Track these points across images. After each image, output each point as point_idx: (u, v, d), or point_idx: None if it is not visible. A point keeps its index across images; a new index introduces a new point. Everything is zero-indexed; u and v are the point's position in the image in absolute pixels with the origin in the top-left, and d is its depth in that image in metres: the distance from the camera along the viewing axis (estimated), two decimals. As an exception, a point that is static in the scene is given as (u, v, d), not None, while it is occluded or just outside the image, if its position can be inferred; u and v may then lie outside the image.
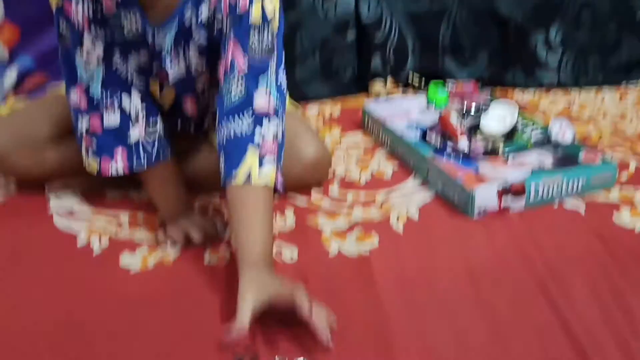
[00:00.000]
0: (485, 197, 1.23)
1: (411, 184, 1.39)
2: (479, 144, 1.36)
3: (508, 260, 1.11)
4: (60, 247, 1.20)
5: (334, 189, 1.37)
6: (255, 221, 1.01)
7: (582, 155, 1.33)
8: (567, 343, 0.91)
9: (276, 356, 0.89)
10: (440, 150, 1.37)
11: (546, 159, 1.33)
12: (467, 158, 1.34)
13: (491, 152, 1.35)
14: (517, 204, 1.25)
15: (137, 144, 1.17)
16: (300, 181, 1.31)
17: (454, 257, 1.13)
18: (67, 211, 1.30)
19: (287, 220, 1.27)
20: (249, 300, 0.91)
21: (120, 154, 1.16)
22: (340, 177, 1.43)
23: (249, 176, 1.03)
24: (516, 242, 1.16)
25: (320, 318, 0.90)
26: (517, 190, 1.24)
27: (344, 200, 1.33)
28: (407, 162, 1.46)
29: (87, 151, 1.18)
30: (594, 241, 1.16)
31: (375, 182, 1.41)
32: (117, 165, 1.17)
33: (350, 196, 1.35)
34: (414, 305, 1.01)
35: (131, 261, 1.14)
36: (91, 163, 1.19)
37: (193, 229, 1.17)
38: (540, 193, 1.26)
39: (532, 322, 0.96)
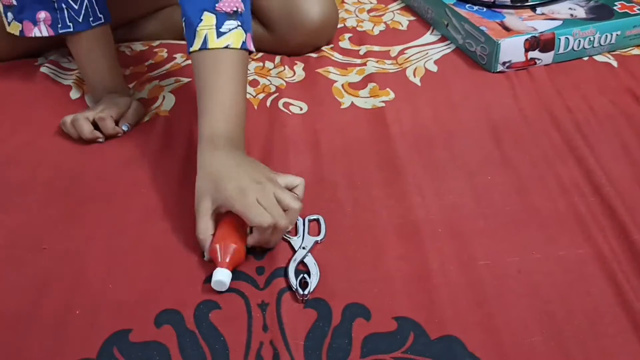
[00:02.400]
0: (511, 48, 1.13)
1: (429, 38, 1.28)
2: (505, -6, 1.24)
3: (533, 116, 1.03)
4: (52, 95, 1.12)
5: (345, 42, 1.27)
6: (218, 87, 0.83)
7: (618, 7, 1.22)
8: (596, 200, 0.85)
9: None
10: (462, 1, 1.26)
11: (578, 9, 1.22)
12: (492, 9, 1.23)
13: (518, 3, 1.23)
14: (544, 57, 1.15)
15: (60, 1, 0.98)
16: (302, 47, 1.21)
17: (475, 112, 1.05)
18: (55, 64, 1.21)
19: (296, 71, 1.17)
20: (205, 208, 0.76)
21: (42, 17, 0.99)
22: (351, 29, 1.32)
23: (204, 39, 0.85)
24: (542, 97, 1.07)
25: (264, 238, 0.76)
26: (545, 42, 1.14)
27: (357, 53, 1.23)
28: (424, 15, 1.34)
29: (5, 13, 1.01)
30: (626, 97, 1.07)
31: (390, 35, 1.30)
32: (41, 29, 1.00)
33: (363, 49, 1.24)
34: (431, 162, 0.94)
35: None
36: (12, 26, 1.02)
37: (107, 116, 0.98)
38: (570, 46, 1.16)
39: (557, 179, 0.89)
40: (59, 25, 0.99)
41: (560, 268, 0.76)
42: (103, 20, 1.02)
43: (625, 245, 0.78)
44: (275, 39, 1.20)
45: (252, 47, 0.90)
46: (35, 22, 1.00)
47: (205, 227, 0.76)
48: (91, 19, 1.01)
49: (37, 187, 0.91)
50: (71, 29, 1.00)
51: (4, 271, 0.77)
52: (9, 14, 1.01)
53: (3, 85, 1.15)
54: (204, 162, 0.80)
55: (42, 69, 1.19)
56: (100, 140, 0.99)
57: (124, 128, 1.00)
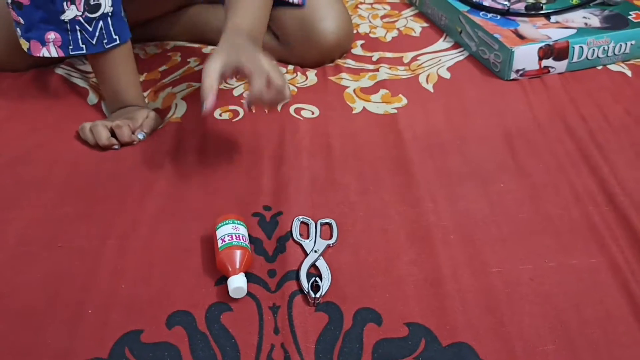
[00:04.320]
0: (525, 56, 1.12)
1: (442, 45, 1.28)
2: (519, 2, 1.24)
3: (547, 124, 1.02)
4: (70, 100, 1.13)
5: (358, 48, 1.27)
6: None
7: (633, 16, 1.21)
8: (610, 209, 0.84)
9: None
10: (476, 8, 1.26)
11: (593, 18, 1.21)
12: (506, 17, 1.23)
13: (532, 11, 1.23)
14: (558, 66, 1.15)
15: (73, 22, 0.94)
16: (317, 63, 1.20)
17: (488, 119, 1.05)
18: (72, 67, 1.22)
19: (308, 76, 1.18)
20: (218, 58, 0.82)
21: (52, 38, 0.95)
22: (364, 35, 1.32)
23: None
24: (556, 106, 1.07)
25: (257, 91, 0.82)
26: (559, 51, 1.14)
27: (369, 59, 1.23)
28: (437, 21, 1.34)
29: (16, 27, 0.98)
30: (641, 107, 1.07)
31: (403, 41, 1.30)
32: (50, 50, 0.96)
33: (375, 55, 1.24)
34: (444, 168, 0.94)
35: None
36: (22, 42, 0.99)
37: (125, 125, 0.98)
38: (584, 54, 1.15)
39: (571, 187, 0.89)
40: (70, 47, 0.96)
41: (574, 277, 0.75)
42: (118, 42, 0.98)
43: (639, 255, 0.77)
44: (290, 53, 1.20)
45: None
46: (43, 43, 0.96)
47: (214, 67, 0.81)
48: (105, 41, 0.96)
49: (53, 186, 0.91)
50: (84, 51, 0.97)
51: (18, 268, 0.78)
52: (18, 29, 0.98)
53: (20, 88, 1.16)
54: (225, 38, 0.88)
55: (58, 71, 1.19)
56: (116, 147, 0.98)
57: (140, 137, 1.00)
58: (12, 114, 1.09)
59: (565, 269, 0.76)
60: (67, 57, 0.99)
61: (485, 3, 1.26)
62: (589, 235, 0.81)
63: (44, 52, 0.97)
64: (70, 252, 0.79)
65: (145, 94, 1.14)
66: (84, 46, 0.96)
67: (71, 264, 0.78)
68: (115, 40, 0.98)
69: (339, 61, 1.23)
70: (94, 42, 0.96)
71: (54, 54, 0.96)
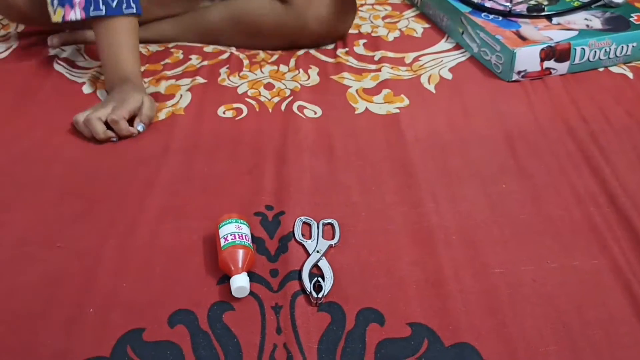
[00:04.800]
0: (527, 57, 1.12)
1: (444, 45, 1.28)
2: (520, 4, 1.24)
3: (548, 125, 1.03)
4: (67, 93, 1.13)
5: (360, 47, 1.27)
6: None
7: (634, 18, 1.22)
8: (611, 211, 0.85)
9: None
10: (477, 9, 1.26)
11: (594, 20, 1.22)
12: (508, 18, 1.23)
13: (534, 12, 1.23)
14: (559, 67, 1.15)
15: None
16: (321, 26, 1.21)
17: (490, 120, 1.05)
18: (70, 62, 1.23)
19: (310, 75, 1.18)
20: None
21: (78, 0, 1.03)
22: (366, 35, 1.32)
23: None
24: (557, 107, 1.07)
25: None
26: (561, 52, 1.14)
27: (372, 59, 1.23)
28: (439, 22, 1.34)
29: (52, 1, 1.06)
30: (642, 109, 1.07)
31: (405, 41, 1.30)
32: (75, 12, 1.04)
33: (378, 55, 1.24)
34: (446, 169, 0.94)
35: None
36: (57, 13, 1.05)
37: (120, 118, 0.98)
38: (586, 56, 1.15)
39: (573, 189, 0.89)
40: (91, 8, 1.03)
41: (576, 278, 0.75)
42: (135, 11, 1.05)
43: (641, 256, 0.78)
44: (292, 14, 1.20)
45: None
46: (72, 6, 1.03)
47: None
48: (124, 6, 1.04)
49: (51, 185, 0.91)
50: (103, 13, 1.03)
51: (17, 268, 0.77)
52: (55, 1, 1.05)
53: (18, 84, 1.16)
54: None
55: (57, 67, 1.20)
56: (114, 140, 0.99)
57: (140, 129, 1.01)
58: (10, 111, 1.08)
59: (567, 270, 0.76)
60: (88, 20, 1.05)
61: (487, 4, 1.27)
62: (590, 237, 0.81)
63: (70, 16, 1.04)
64: (69, 252, 0.79)
65: (146, 80, 1.16)
66: (103, 7, 1.03)
67: (71, 264, 0.78)
68: (132, 8, 1.05)
69: (341, 57, 1.23)
70: (113, 5, 1.04)
71: (78, 16, 1.04)
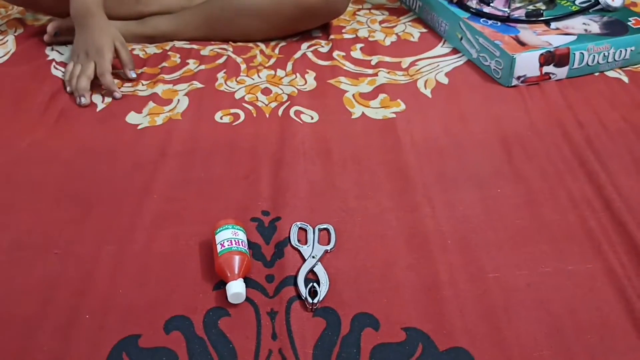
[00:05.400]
0: (526, 63, 1.13)
1: (440, 50, 1.28)
2: (519, 9, 1.25)
3: (544, 130, 1.03)
4: (64, 97, 1.14)
5: (357, 52, 1.28)
6: None
7: (632, 22, 1.22)
8: (606, 215, 0.85)
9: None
10: (476, 15, 1.26)
11: (592, 24, 1.22)
12: (506, 23, 1.23)
13: (533, 17, 1.24)
14: (558, 72, 1.15)
15: None
16: (315, 12, 1.23)
17: (486, 124, 1.05)
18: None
19: (307, 80, 1.18)
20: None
21: None
22: (363, 39, 1.32)
23: None
24: (553, 112, 1.07)
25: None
26: (560, 57, 1.14)
27: (368, 63, 1.24)
28: (437, 27, 1.34)
29: None
30: (637, 112, 1.06)
31: (401, 46, 1.30)
32: None
33: (374, 59, 1.25)
34: (442, 173, 0.94)
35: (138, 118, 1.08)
36: None
37: (103, 77, 1.13)
38: (585, 61, 1.16)
39: (568, 193, 0.89)
40: None
41: (570, 282, 0.76)
42: None
43: (635, 261, 0.78)
44: None
45: None
46: None
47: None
48: None
49: (48, 189, 0.91)
50: None
51: (13, 273, 0.78)
52: None
53: (16, 87, 1.17)
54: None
55: (54, 72, 1.21)
56: (118, 95, 1.13)
57: (133, 75, 1.18)
58: (8, 115, 1.09)
59: (561, 274, 0.77)
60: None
61: (486, 10, 1.27)
62: (585, 241, 0.81)
63: None
64: (66, 257, 0.80)
65: (145, 82, 1.18)
66: None
67: (67, 268, 0.78)
68: None
69: (338, 61, 1.23)
70: None
71: None
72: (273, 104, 1.11)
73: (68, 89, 1.14)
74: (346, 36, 1.34)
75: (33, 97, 1.13)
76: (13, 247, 0.81)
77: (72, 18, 1.17)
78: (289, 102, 1.12)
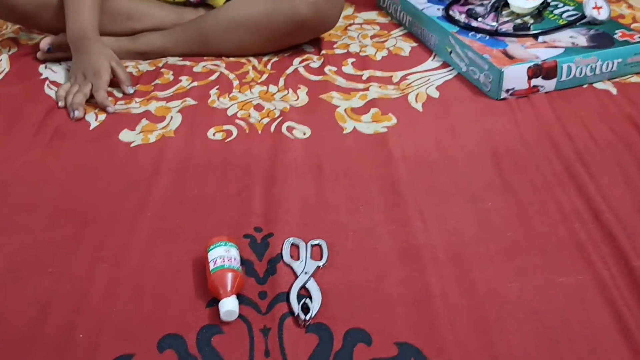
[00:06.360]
0: (514, 76, 1.14)
1: (431, 64, 1.30)
2: (507, 23, 1.26)
3: (534, 142, 1.04)
4: (58, 116, 1.14)
5: (349, 67, 1.29)
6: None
7: (619, 35, 1.24)
8: (596, 227, 0.85)
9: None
10: (465, 29, 1.27)
11: (579, 37, 1.23)
12: (495, 37, 1.24)
13: (520, 31, 1.25)
14: (547, 85, 1.17)
15: None
16: (307, 24, 1.24)
17: (476, 138, 1.06)
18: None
19: (299, 95, 1.19)
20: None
21: None
22: (354, 54, 1.33)
23: None
24: (543, 124, 1.08)
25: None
26: (548, 70, 1.15)
27: (360, 78, 1.25)
28: (427, 41, 1.36)
29: None
30: (626, 124, 1.07)
31: (392, 60, 1.32)
32: None
33: (365, 74, 1.26)
34: (433, 187, 0.95)
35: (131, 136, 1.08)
36: None
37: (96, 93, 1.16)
38: (572, 73, 1.17)
39: (558, 205, 0.90)
40: None
41: (561, 294, 0.76)
42: None
43: (625, 272, 0.78)
44: (284, 2, 1.23)
45: None
46: None
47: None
48: None
49: (42, 208, 0.92)
50: None
51: (7, 293, 0.78)
52: None
53: (10, 107, 1.18)
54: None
55: (48, 91, 1.21)
56: (110, 110, 1.15)
57: (131, 91, 1.21)
58: (1, 135, 1.10)
59: (552, 286, 0.77)
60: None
61: (474, 24, 1.28)
62: (575, 253, 0.82)
63: None
64: (60, 277, 0.80)
65: (138, 100, 1.19)
66: None
67: (61, 288, 0.78)
68: None
69: (330, 75, 1.24)
70: None
71: None
72: (265, 120, 1.12)
73: (60, 103, 1.16)
74: (338, 51, 1.35)
75: (27, 116, 1.14)
76: (7, 267, 0.82)
77: (69, 42, 1.22)
78: (281, 118, 1.13)
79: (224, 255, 0.77)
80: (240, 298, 0.75)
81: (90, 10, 1.21)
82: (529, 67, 1.15)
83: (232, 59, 1.33)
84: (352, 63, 1.30)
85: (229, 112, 1.15)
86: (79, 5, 1.21)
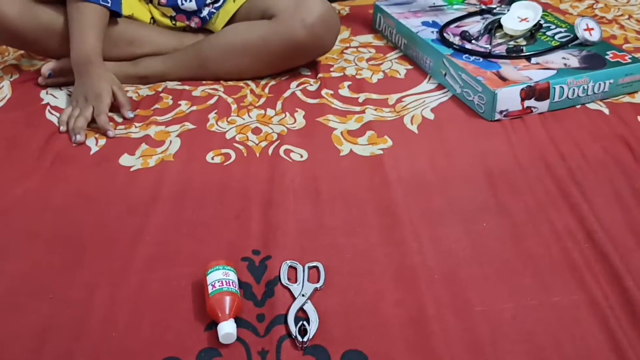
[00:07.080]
0: (508, 97, 1.16)
1: (426, 86, 1.32)
2: (500, 45, 1.28)
3: (527, 163, 1.05)
4: (59, 142, 1.16)
5: (345, 89, 1.31)
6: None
7: (610, 56, 1.26)
8: (589, 246, 0.87)
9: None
10: (459, 51, 1.30)
11: (572, 59, 1.26)
12: (488, 59, 1.26)
13: (513, 53, 1.27)
14: (540, 106, 1.19)
15: None
16: (308, 34, 1.25)
17: (471, 159, 1.08)
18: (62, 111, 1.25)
19: (296, 118, 1.21)
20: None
21: None
22: (350, 77, 1.36)
23: None
24: (536, 145, 1.10)
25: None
26: (541, 91, 1.17)
27: (356, 101, 1.27)
28: (422, 64, 1.38)
29: None
30: (618, 144, 1.09)
31: (388, 83, 1.34)
32: None
33: (362, 97, 1.28)
34: (428, 208, 0.96)
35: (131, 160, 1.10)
36: None
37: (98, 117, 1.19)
38: (565, 94, 1.19)
39: (551, 225, 0.91)
40: None
41: (555, 314, 0.77)
42: (109, 5, 1.25)
43: (618, 291, 0.79)
44: (281, 25, 1.25)
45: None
46: None
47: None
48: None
49: (42, 234, 0.93)
50: None
51: (6, 318, 0.79)
52: None
53: (11, 133, 1.19)
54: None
55: (49, 117, 1.23)
56: (111, 134, 1.17)
57: (131, 115, 1.23)
58: (2, 161, 1.11)
59: (546, 306, 0.78)
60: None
61: (468, 46, 1.31)
62: (568, 273, 0.83)
63: None
64: (60, 302, 0.81)
65: (138, 124, 1.21)
66: None
67: (61, 313, 0.79)
68: (108, 3, 1.26)
69: (326, 99, 1.26)
70: None
71: None
72: (263, 143, 1.14)
73: (62, 128, 1.18)
74: (334, 74, 1.37)
75: (27, 142, 1.16)
76: (7, 293, 0.83)
77: (72, 66, 1.24)
78: (278, 141, 1.14)
79: (222, 279, 0.78)
80: (239, 321, 0.76)
81: (95, 36, 1.24)
82: (522, 89, 1.16)
83: (230, 82, 1.35)
84: (349, 86, 1.32)
85: (228, 136, 1.17)
86: (83, 31, 1.24)
